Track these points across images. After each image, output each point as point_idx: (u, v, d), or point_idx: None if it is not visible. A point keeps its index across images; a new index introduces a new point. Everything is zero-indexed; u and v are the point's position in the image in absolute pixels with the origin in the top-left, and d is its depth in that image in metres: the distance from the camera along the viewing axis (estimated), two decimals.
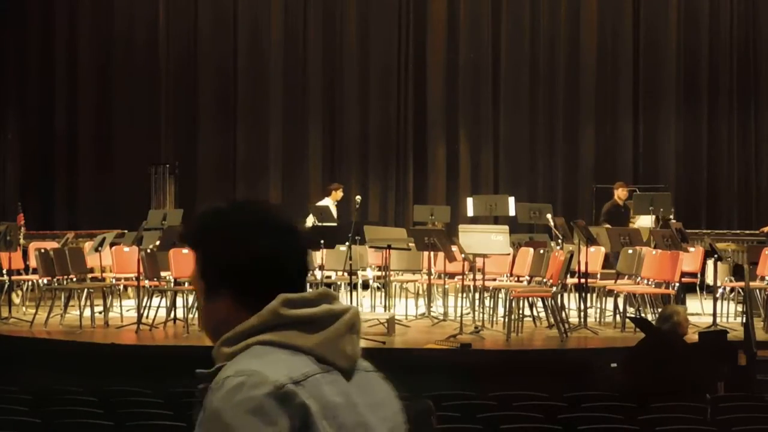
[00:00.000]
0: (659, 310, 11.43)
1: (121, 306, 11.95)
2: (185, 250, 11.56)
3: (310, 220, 13.58)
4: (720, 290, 11.92)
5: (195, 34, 17.05)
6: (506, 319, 10.93)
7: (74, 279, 11.99)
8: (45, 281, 11.88)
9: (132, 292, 12.68)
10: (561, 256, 11.05)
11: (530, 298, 11.46)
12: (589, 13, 16.75)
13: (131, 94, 16.94)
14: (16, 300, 12.52)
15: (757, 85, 16.63)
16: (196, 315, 11.18)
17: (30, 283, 12.76)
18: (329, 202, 14.08)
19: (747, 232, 14.72)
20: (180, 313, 11.29)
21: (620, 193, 14.32)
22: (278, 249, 1.92)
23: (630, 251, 11.88)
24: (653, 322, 10.28)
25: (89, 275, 12.64)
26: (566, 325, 10.88)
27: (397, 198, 16.79)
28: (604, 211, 14.33)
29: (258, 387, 1.78)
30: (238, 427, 1.75)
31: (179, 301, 11.64)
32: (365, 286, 12.97)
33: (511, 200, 14.03)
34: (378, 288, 12.79)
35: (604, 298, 11.88)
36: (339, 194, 14.36)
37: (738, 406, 7.67)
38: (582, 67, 16.74)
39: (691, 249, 11.71)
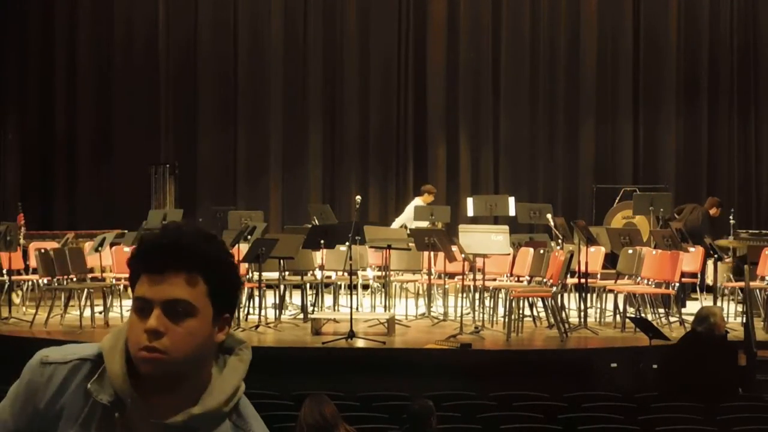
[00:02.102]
0: (659, 310, 11.47)
1: (121, 306, 11.93)
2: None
3: (405, 222, 13.56)
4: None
5: (195, 34, 17.03)
6: (506, 319, 10.93)
7: (74, 279, 11.98)
8: (45, 281, 11.87)
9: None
10: (561, 256, 11.04)
11: (530, 298, 11.45)
12: (589, 13, 16.74)
13: (131, 95, 16.92)
14: (16, 300, 12.51)
15: (757, 85, 16.61)
16: None
17: (30, 283, 12.76)
18: (419, 203, 13.95)
19: (748, 231, 14.67)
20: None
21: (713, 211, 13.28)
22: None
23: (630, 251, 11.87)
24: (650, 325, 10.30)
25: (89, 275, 12.62)
26: (566, 325, 10.88)
27: (397, 198, 16.77)
28: (703, 220, 13.05)
29: None
30: None
31: None
32: (365, 286, 12.96)
33: (511, 200, 14.02)
34: (378, 288, 12.78)
35: (604, 296, 11.87)
36: (430, 198, 14.06)
37: (738, 406, 7.67)
38: (582, 67, 16.73)
39: (691, 249, 11.70)
